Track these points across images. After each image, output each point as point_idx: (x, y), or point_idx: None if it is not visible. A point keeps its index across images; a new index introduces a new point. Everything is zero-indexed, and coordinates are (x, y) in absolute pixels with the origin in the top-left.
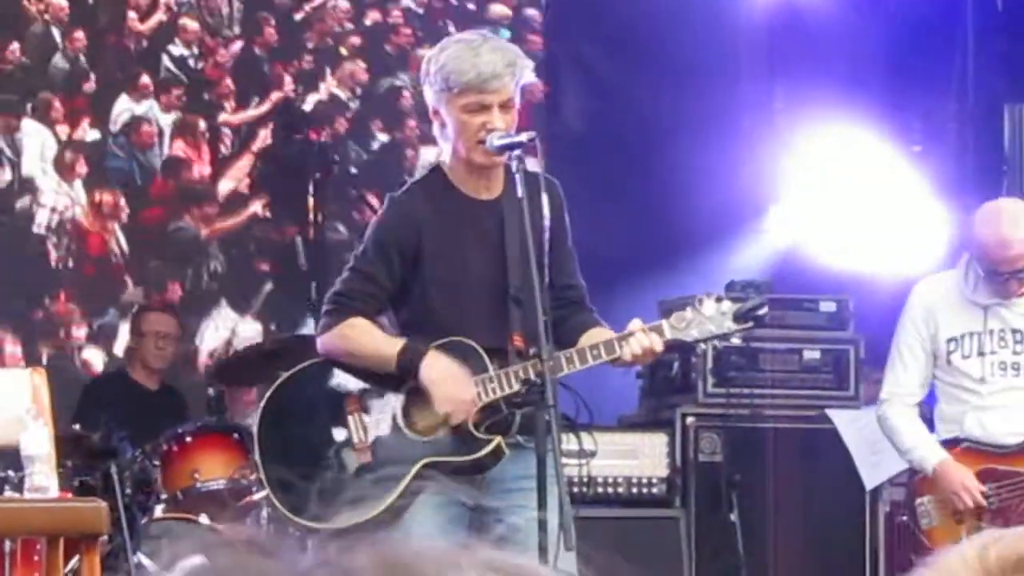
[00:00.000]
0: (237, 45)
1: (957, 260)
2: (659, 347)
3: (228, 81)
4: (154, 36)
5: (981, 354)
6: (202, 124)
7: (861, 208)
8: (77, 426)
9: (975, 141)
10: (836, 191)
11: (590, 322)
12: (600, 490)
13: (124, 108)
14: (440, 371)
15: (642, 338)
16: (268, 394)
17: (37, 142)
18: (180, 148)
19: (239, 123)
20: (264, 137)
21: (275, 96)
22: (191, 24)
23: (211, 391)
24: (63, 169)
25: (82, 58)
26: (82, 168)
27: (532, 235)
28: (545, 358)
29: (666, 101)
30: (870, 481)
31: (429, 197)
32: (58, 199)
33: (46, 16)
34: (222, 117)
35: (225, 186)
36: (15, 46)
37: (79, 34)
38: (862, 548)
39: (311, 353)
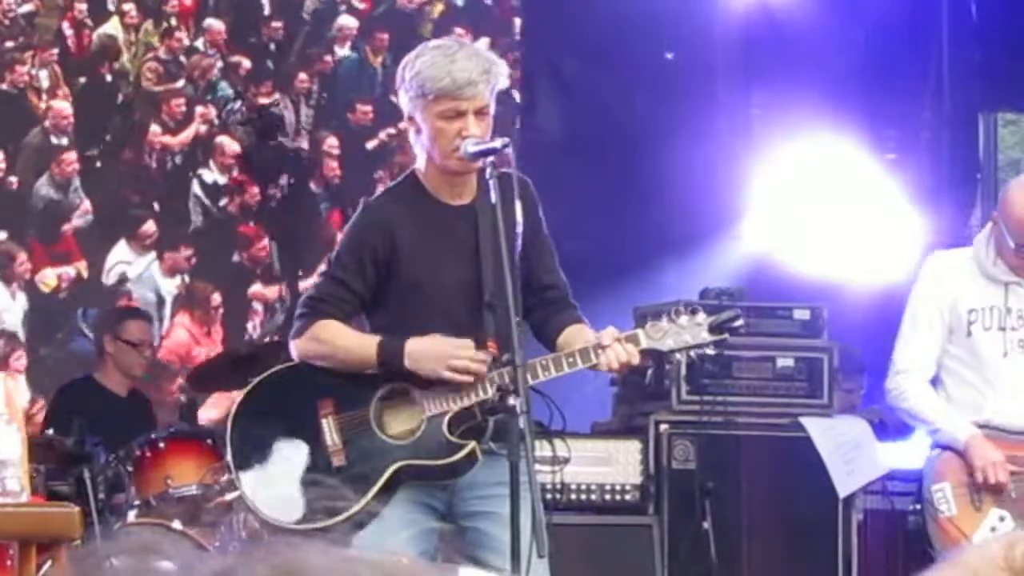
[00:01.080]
0: (284, 179)
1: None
2: (636, 359)
3: (267, 243)
4: (185, 153)
5: (1002, 329)
6: (216, 297)
7: (835, 216)
8: (50, 431)
9: (950, 149)
10: (810, 199)
11: (569, 320)
12: (573, 497)
13: (118, 260)
14: (424, 347)
15: (620, 350)
16: (241, 397)
17: None
18: (183, 324)
19: (274, 298)
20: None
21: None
22: (230, 145)
23: (183, 397)
24: None
25: (76, 182)
26: (20, 360)
27: (506, 241)
28: (518, 364)
29: (641, 108)
30: (843, 489)
31: (403, 203)
32: None
33: (47, 122)
34: (253, 288)
35: (208, 414)
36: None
37: (70, 155)
38: (834, 556)
39: (284, 358)
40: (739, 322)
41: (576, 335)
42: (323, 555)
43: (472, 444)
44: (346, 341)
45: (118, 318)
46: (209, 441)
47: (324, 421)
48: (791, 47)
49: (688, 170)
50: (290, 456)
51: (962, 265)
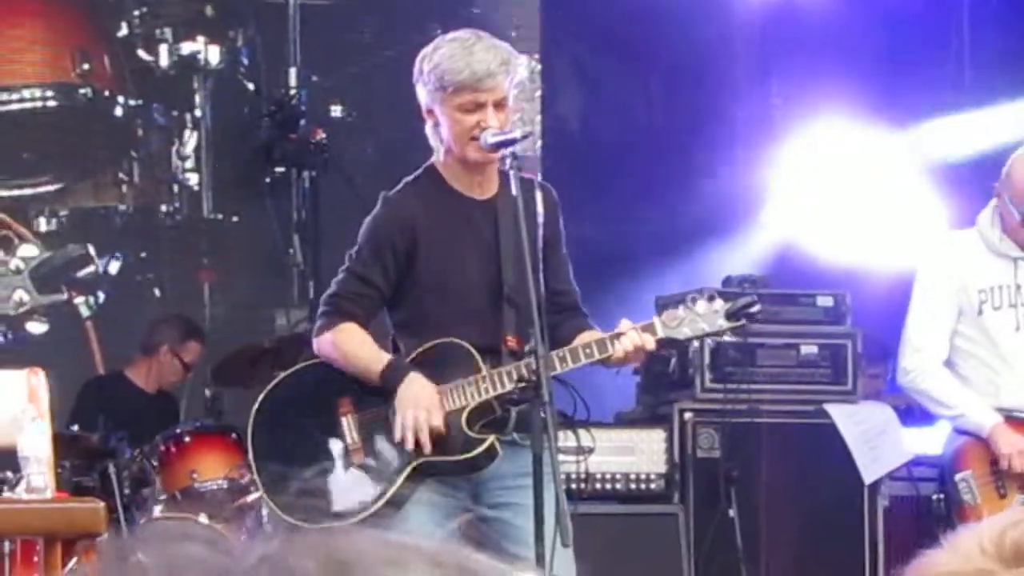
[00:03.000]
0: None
1: None
2: (651, 345)
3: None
4: None
5: (1012, 306)
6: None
7: (857, 202)
8: (75, 427)
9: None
10: (832, 185)
11: (583, 326)
12: (598, 486)
13: None
14: (409, 397)
15: (634, 336)
16: (263, 394)
17: None
18: None
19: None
20: None
21: None
22: None
23: (208, 391)
24: None
25: None
26: None
27: (527, 233)
28: (541, 355)
29: (661, 98)
30: (869, 475)
31: (423, 196)
32: None
33: None
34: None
35: None
36: None
37: None
38: (861, 543)
39: (308, 353)
40: (756, 308)
41: (590, 339)
42: (372, 542)
43: (491, 439)
44: (359, 352)
45: (183, 334)
46: (234, 435)
47: (344, 419)
48: (810, 36)
49: (709, 160)
50: (310, 454)
51: (970, 244)
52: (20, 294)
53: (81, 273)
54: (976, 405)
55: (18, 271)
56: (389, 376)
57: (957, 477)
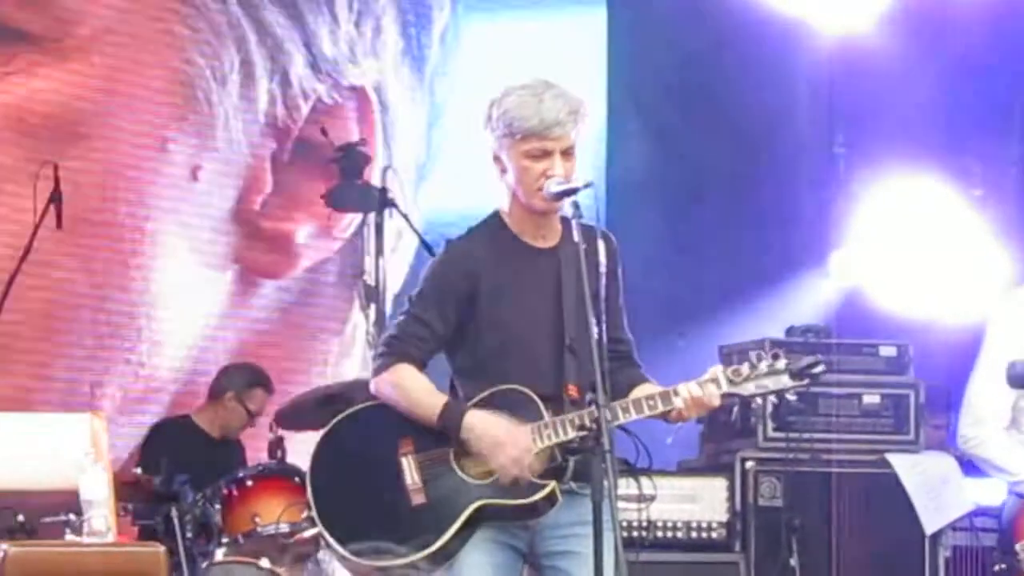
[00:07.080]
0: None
1: None
2: (716, 401)
3: None
4: None
5: None
6: None
7: (922, 253)
8: (138, 470)
9: None
10: (897, 236)
11: (638, 378)
12: (660, 534)
13: None
14: (484, 429)
15: (695, 388)
16: (322, 435)
17: None
18: None
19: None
20: None
21: None
22: None
23: (271, 435)
24: None
25: None
26: None
27: (589, 282)
28: (602, 404)
29: (727, 146)
30: (930, 526)
31: (487, 243)
32: None
33: None
34: None
35: None
36: None
37: None
38: None
39: (372, 397)
40: (820, 368)
41: (649, 391)
42: None
43: (552, 485)
44: (416, 395)
45: (249, 382)
46: (297, 479)
47: (404, 460)
48: (875, 84)
49: (774, 208)
50: (370, 494)
51: None
52: None
53: None
54: None
55: None
56: (447, 416)
57: (1018, 547)
